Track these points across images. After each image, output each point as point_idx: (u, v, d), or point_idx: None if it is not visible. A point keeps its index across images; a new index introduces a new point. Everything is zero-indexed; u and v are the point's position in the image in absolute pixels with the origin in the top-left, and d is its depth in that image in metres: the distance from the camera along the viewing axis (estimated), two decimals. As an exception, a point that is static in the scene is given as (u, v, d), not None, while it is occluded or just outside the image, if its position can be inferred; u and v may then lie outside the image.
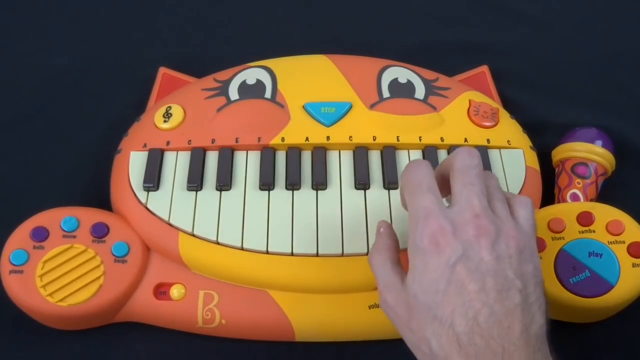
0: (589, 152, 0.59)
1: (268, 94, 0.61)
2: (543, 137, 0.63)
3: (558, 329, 0.54)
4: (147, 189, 0.56)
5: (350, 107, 0.60)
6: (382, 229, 0.48)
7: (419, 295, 0.43)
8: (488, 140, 0.59)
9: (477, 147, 0.58)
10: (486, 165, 0.57)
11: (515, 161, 0.58)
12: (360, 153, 0.57)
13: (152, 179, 0.56)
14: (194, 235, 0.53)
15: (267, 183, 0.55)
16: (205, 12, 0.78)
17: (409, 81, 0.63)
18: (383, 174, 0.57)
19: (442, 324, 0.41)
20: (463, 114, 0.61)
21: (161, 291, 0.53)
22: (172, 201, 0.55)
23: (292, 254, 0.52)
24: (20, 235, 0.53)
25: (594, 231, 0.54)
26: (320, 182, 0.56)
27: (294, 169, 0.56)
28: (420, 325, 0.43)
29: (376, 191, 0.56)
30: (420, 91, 0.62)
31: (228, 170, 0.56)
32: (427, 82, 0.63)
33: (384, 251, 0.47)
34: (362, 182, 0.56)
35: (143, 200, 0.55)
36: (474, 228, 0.42)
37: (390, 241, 0.47)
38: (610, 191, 0.60)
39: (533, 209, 0.46)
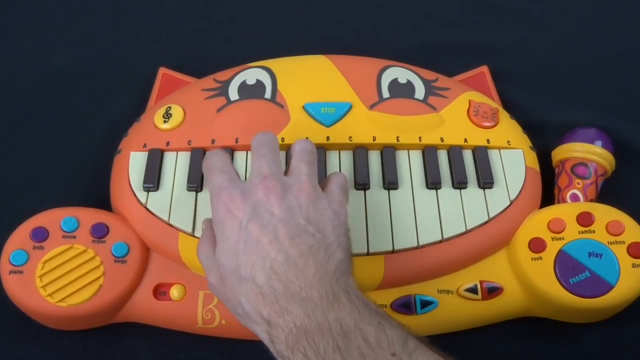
0: (589, 152, 0.59)
1: (268, 94, 0.61)
2: (543, 137, 0.63)
3: (558, 329, 0.54)
4: (147, 189, 0.56)
5: (350, 107, 0.60)
6: (204, 224, 0.51)
7: (225, 262, 0.46)
8: (488, 141, 0.59)
9: (477, 147, 0.58)
10: (486, 165, 0.57)
11: (515, 161, 0.58)
12: (360, 153, 0.57)
13: (152, 179, 0.56)
14: (193, 236, 0.54)
15: None
16: (205, 12, 0.78)
17: (408, 81, 0.63)
18: (383, 174, 0.57)
19: (247, 281, 0.44)
20: (463, 114, 0.61)
21: (161, 291, 0.53)
22: (172, 201, 0.55)
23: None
24: (20, 236, 0.53)
25: (593, 231, 0.54)
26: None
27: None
28: (233, 290, 0.46)
29: (376, 191, 0.56)
30: (420, 91, 0.62)
31: (228, 171, 0.56)
32: (426, 83, 0.63)
33: (207, 241, 0.49)
34: (361, 183, 0.56)
35: (143, 201, 0.55)
36: (262, 188, 0.47)
37: (211, 232, 0.49)
38: (610, 191, 0.60)
39: (345, 180, 0.51)
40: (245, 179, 0.56)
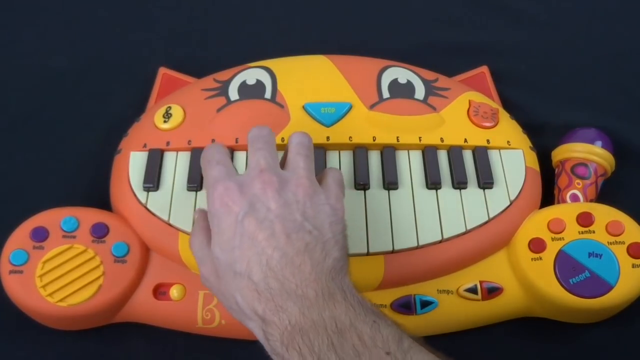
0: (589, 152, 0.59)
1: (268, 94, 0.61)
2: (543, 137, 0.63)
3: (558, 329, 0.54)
4: (147, 189, 0.56)
5: (350, 107, 0.60)
6: (197, 214, 0.51)
7: (219, 256, 0.46)
8: (488, 141, 0.59)
9: (477, 147, 0.58)
10: (486, 165, 0.57)
11: (515, 162, 0.58)
12: (360, 153, 0.57)
13: (152, 179, 0.56)
14: (193, 236, 0.54)
15: None
16: (205, 12, 0.78)
17: (408, 81, 0.63)
18: (383, 174, 0.57)
19: (242, 277, 0.44)
20: (463, 115, 0.61)
21: (161, 291, 0.53)
22: (172, 201, 0.55)
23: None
24: (20, 235, 0.53)
25: (593, 232, 0.54)
26: (320, 183, 0.56)
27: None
28: (227, 285, 0.45)
29: (376, 191, 0.56)
30: (420, 91, 0.62)
31: (228, 171, 0.56)
32: (427, 83, 0.63)
33: (199, 232, 0.49)
34: (361, 183, 0.56)
35: (143, 201, 0.55)
36: (260, 182, 0.46)
37: (205, 223, 0.49)
38: (610, 192, 0.60)
39: (341, 175, 0.51)
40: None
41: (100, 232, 0.54)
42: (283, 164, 0.50)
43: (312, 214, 0.46)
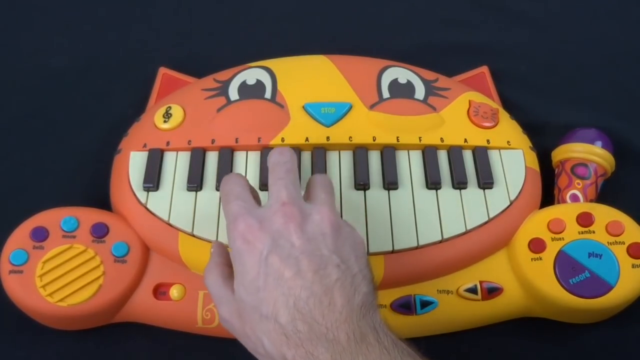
0: (589, 152, 0.59)
1: (268, 94, 0.61)
2: (543, 137, 0.63)
3: (558, 329, 0.54)
4: (147, 189, 0.56)
5: (350, 107, 0.60)
6: (213, 248, 0.49)
7: (244, 297, 0.43)
8: (488, 141, 0.59)
9: (477, 147, 0.58)
10: (486, 165, 0.57)
11: (515, 162, 0.58)
12: (360, 153, 0.57)
13: (152, 179, 0.56)
14: (193, 236, 0.54)
15: (267, 183, 0.55)
16: (205, 12, 0.78)
17: (408, 82, 0.63)
18: (383, 174, 0.57)
19: (269, 319, 0.42)
20: (463, 115, 0.61)
21: (161, 291, 0.53)
22: (172, 201, 0.55)
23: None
24: (20, 235, 0.53)
25: (593, 232, 0.54)
26: (320, 183, 0.56)
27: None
28: (253, 328, 0.43)
29: (376, 191, 0.56)
30: (420, 92, 0.62)
31: (228, 171, 0.56)
32: (427, 83, 0.63)
33: (215, 269, 0.47)
34: (361, 183, 0.56)
35: (143, 201, 0.55)
36: (281, 216, 0.44)
37: (221, 259, 0.48)
38: (610, 192, 0.60)
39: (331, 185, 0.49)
40: (246, 173, 0.56)
41: (100, 232, 0.54)
42: (306, 197, 0.48)
43: (338, 247, 0.44)
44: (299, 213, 0.44)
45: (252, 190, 0.49)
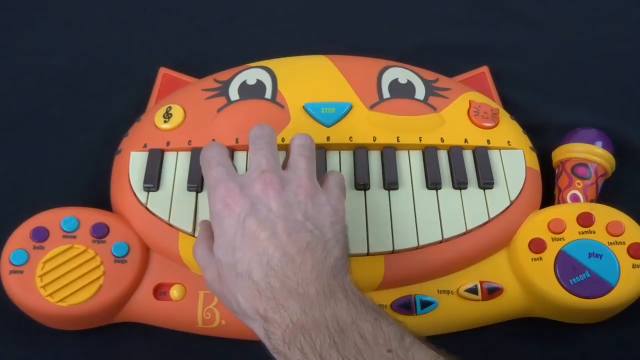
0: (589, 152, 0.59)
1: (268, 95, 0.61)
2: (543, 137, 0.63)
3: (558, 329, 0.54)
4: (147, 190, 0.56)
5: (351, 107, 0.60)
6: (200, 224, 0.52)
7: (222, 258, 0.46)
8: (488, 141, 0.59)
9: (478, 147, 0.58)
10: (486, 165, 0.57)
11: (515, 162, 0.58)
12: (360, 154, 0.57)
13: (152, 180, 0.56)
14: (194, 236, 0.54)
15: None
16: (205, 12, 0.78)
17: (409, 82, 0.63)
18: (383, 174, 0.57)
19: (243, 277, 0.44)
20: (463, 115, 0.61)
21: (161, 291, 0.53)
22: (172, 201, 0.55)
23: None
24: (20, 236, 0.53)
25: (594, 232, 0.54)
26: (320, 183, 0.56)
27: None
28: (229, 286, 0.45)
29: (376, 191, 0.56)
30: (420, 92, 0.62)
31: (228, 171, 0.56)
32: (427, 83, 0.63)
33: (202, 241, 0.49)
34: (362, 183, 0.56)
35: (143, 201, 0.55)
36: (261, 182, 0.46)
37: (208, 232, 0.49)
38: (610, 192, 0.60)
39: (342, 178, 0.52)
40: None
41: (100, 232, 0.54)
42: (285, 165, 0.50)
43: (313, 214, 0.46)
44: (278, 180, 0.47)
45: (231, 160, 0.51)
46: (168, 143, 0.58)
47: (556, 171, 0.61)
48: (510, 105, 0.65)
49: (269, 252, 0.44)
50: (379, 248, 0.53)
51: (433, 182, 0.56)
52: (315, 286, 0.43)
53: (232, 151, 0.57)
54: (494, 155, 0.58)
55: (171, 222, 0.54)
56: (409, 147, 0.58)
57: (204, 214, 0.54)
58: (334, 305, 0.42)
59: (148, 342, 0.54)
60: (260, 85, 0.62)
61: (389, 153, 0.58)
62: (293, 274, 0.43)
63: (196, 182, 0.56)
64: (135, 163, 0.57)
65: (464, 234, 0.54)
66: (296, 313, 0.42)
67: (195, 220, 0.54)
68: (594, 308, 0.52)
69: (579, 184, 0.58)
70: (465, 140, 0.59)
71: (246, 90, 0.61)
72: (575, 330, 0.54)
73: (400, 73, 0.63)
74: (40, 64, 0.71)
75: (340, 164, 0.57)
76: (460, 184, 0.56)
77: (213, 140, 0.58)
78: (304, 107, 0.60)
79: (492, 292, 0.53)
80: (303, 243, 0.44)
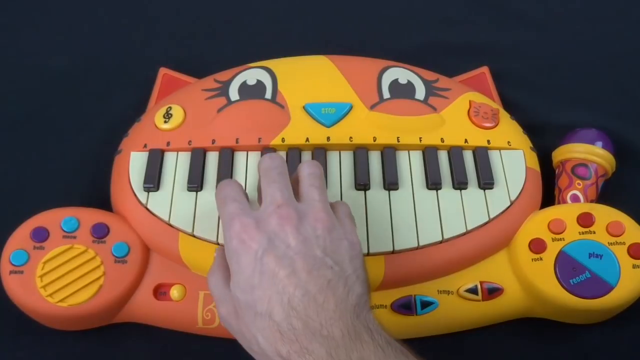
0: (589, 153, 0.59)
1: (268, 95, 0.61)
2: (543, 138, 0.63)
3: (558, 329, 0.54)
4: (148, 190, 0.56)
5: (351, 107, 0.60)
6: (216, 252, 0.50)
7: (239, 296, 0.44)
8: (488, 141, 0.59)
9: (478, 148, 0.58)
10: (486, 165, 0.57)
11: (515, 162, 0.58)
12: (361, 154, 0.57)
13: (153, 180, 0.56)
14: (194, 236, 0.54)
15: None
16: (205, 12, 0.78)
17: (409, 82, 0.63)
18: (383, 174, 0.57)
19: (263, 317, 0.42)
20: (463, 115, 0.61)
21: (161, 292, 0.53)
22: (172, 202, 0.55)
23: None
24: (21, 236, 0.53)
25: (594, 232, 0.54)
26: (320, 183, 0.55)
27: (294, 169, 0.56)
28: (248, 326, 0.44)
29: (376, 192, 0.56)
30: (420, 92, 0.62)
31: (228, 171, 0.56)
32: (427, 83, 0.63)
33: (217, 271, 0.48)
34: (362, 183, 0.56)
35: (143, 201, 0.55)
36: (277, 217, 0.45)
37: (224, 261, 0.48)
38: (610, 192, 0.60)
39: (349, 208, 0.50)
40: (246, 181, 0.56)
41: (100, 233, 0.54)
42: (296, 194, 0.48)
43: (332, 249, 0.44)
44: (295, 214, 0.45)
45: (246, 196, 0.49)
46: (168, 143, 0.58)
47: (556, 171, 0.61)
48: (510, 105, 0.65)
49: (290, 291, 0.42)
50: (379, 248, 0.53)
51: (433, 183, 0.56)
52: (339, 327, 0.41)
53: (232, 151, 0.58)
54: (494, 156, 0.58)
55: (171, 222, 0.54)
56: (409, 147, 0.58)
57: (204, 214, 0.54)
58: (360, 348, 0.40)
59: (148, 342, 0.54)
60: (260, 85, 0.62)
61: (389, 153, 0.58)
62: (316, 314, 0.41)
63: (196, 182, 0.56)
64: (135, 163, 0.57)
65: (464, 234, 0.54)
66: (322, 357, 0.40)
67: (194, 220, 0.54)
68: (594, 308, 0.52)
69: (579, 184, 0.58)
70: (466, 141, 0.59)
71: (246, 91, 0.61)
72: (575, 330, 0.54)
73: (401, 73, 0.63)
74: (40, 65, 0.71)
75: (341, 164, 0.57)
76: (460, 184, 0.56)
77: (213, 140, 0.58)
78: (304, 107, 0.60)
79: (492, 292, 0.53)
80: (324, 281, 0.43)
